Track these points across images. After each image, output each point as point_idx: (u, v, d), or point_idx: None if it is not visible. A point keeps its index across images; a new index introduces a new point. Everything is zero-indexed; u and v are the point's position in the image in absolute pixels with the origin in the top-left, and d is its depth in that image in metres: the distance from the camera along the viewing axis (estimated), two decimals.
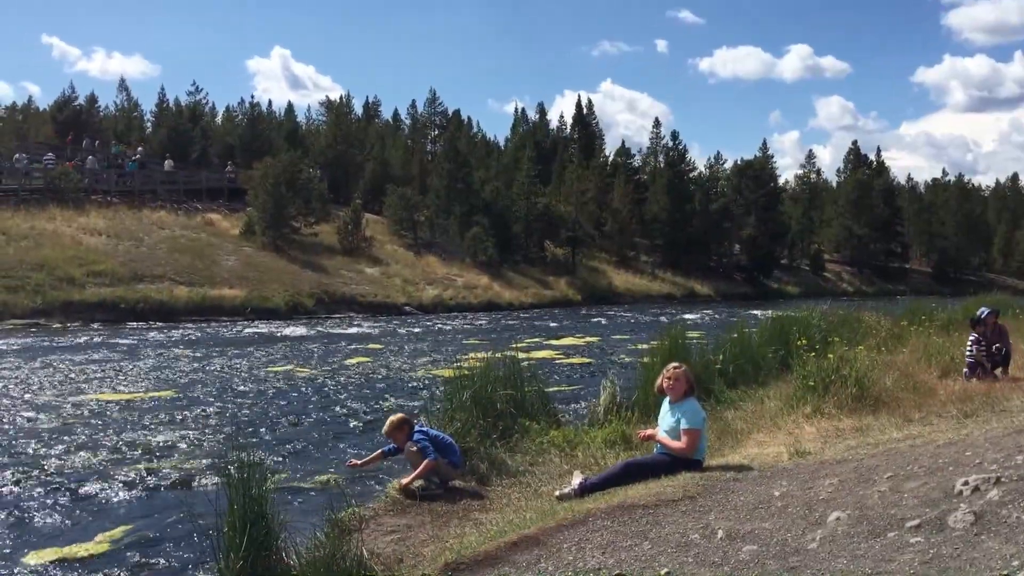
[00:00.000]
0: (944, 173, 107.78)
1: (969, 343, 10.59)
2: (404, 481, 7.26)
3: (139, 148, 54.98)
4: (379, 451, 7.79)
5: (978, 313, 10.82)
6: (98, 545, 7.04)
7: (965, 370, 10.37)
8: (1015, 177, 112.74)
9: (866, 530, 4.45)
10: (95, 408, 13.47)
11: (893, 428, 7.58)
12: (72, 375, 17.23)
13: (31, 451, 10.47)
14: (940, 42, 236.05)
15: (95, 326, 29.72)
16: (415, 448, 7.29)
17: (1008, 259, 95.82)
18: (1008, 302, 19.46)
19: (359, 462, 7.84)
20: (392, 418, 7.67)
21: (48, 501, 8.36)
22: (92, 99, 66.86)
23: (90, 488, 8.80)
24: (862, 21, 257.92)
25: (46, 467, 9.68)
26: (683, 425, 6.66)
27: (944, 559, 3.84)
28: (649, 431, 7.03)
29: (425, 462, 7.24)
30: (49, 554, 6.84)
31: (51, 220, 38.73)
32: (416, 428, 7.54)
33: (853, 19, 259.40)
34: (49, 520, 7.83)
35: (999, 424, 6.90)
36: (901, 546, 4.12)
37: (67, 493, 8.63)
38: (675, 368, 6.99)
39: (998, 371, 10.28)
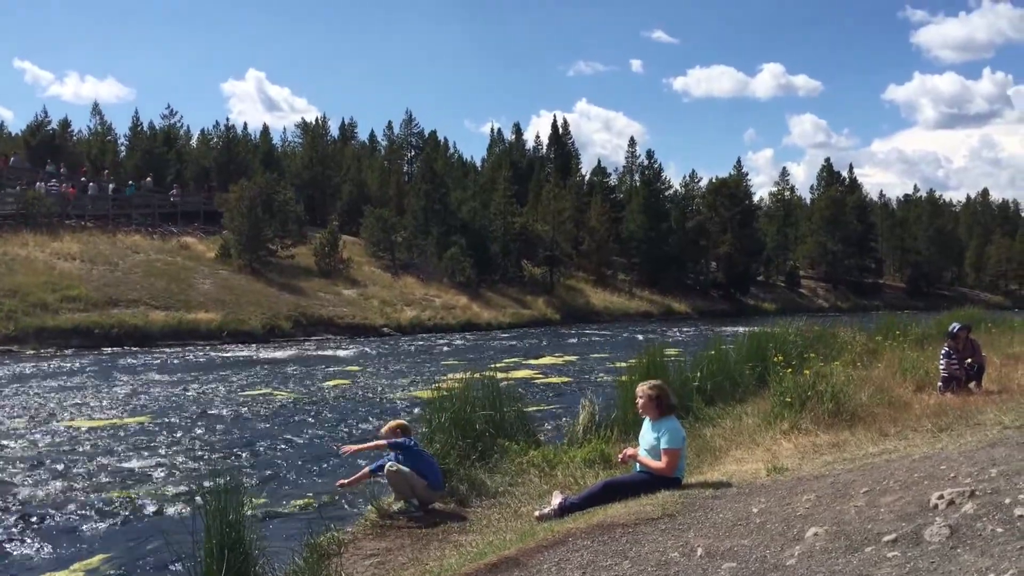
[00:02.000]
0: (916, 189, 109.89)
1: (941, 356, 10.72)
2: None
3: (147, 179, 54.38)
4: (366, 469, 7.75)
5: (950, 328, 10.94)
6: (74, 574, 6.96)
7: (939, 384, 10.48)
8: (985, 192, 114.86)
9: (843, 545, 4.47)
10: (70, 435, 13.30)
11: (869, 443, 7.63)
12: (47, 402, 17.01)
13: (5, 480, 10.32)
14: (910, 60, 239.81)
15: (69, 352, 29.36)
16: (395, 468, 7.28)
17: (980, 273, 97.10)
18: (980, 316, 19.69)
19: (347, 481, 7.81)
20: (392, 422, 7.81)
21: (24, 530, 8.24)
22: (65, 123, 66.36)
23: (66, 516, 8.69)
24: (833, 40, 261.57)
25: (21, 496, 9.54)
26: (663, 445, 6.66)
27: (921, 573, 3.87)
28: (629, 451, 7.02)
29: (376, 443, 7.80)
30: None
31: (24, 246, 38.27)
32: (404, 442, 7.52)
33: (824, 38, 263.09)
34: (25, 549, 7.72)
35: (973, 438, 6.97)
36: (878, 561, 4.14)
37: (43, 521, 8.51)
38: (643, 387, 6.98)
39: (972, 385, 10.40)
